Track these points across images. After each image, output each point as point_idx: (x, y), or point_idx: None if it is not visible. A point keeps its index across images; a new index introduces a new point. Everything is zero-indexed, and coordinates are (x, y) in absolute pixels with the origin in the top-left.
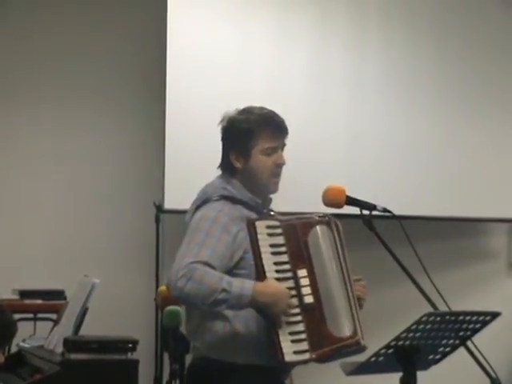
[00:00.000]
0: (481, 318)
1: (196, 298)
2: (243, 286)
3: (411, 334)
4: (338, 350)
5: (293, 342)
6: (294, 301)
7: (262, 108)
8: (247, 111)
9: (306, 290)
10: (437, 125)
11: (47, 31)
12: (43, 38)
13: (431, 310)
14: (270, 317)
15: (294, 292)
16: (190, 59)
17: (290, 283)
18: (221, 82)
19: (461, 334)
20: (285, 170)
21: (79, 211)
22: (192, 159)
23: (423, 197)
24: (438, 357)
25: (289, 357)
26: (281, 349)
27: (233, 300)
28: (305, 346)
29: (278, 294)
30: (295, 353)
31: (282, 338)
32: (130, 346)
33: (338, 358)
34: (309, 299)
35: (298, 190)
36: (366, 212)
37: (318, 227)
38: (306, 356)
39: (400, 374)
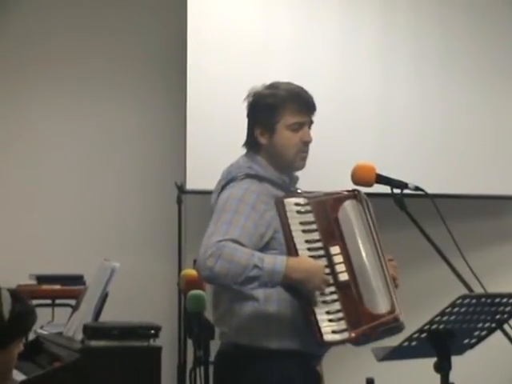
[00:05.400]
0: None
1: (227, 277)
2: (275, 261)
3: (445, 318)
4: (376, 328)
5: (330, 321)
6: (329, 279)
7: (289, 83)
8: (274, 86)
9: (340, 268)
10: (471, 100)
11: (65, 6)
12: (62, 13)
13: (466, 292)
14: (303, 295)
15: (327, 270)
16: (211, 38)
17: (323, 261)
18: (244, 59)
19: (497, 317)
20: (313, 148)
21: (98, 193)
22: (214, 139)
23: (457, 174)
24: (473, 341)
25: (328, 336)
26: (319, 328)
27: (265, 277)
28: (343, 325)
29: (312, 270)
30: (334, 332)
31: (319, 317)
32: (153, 332)
33: (376, 340)
34: (343, 276)
35: (326, 169)
36: (397, 191)
37: (347, 202)
38: (345, 335)
39: (434, 360)
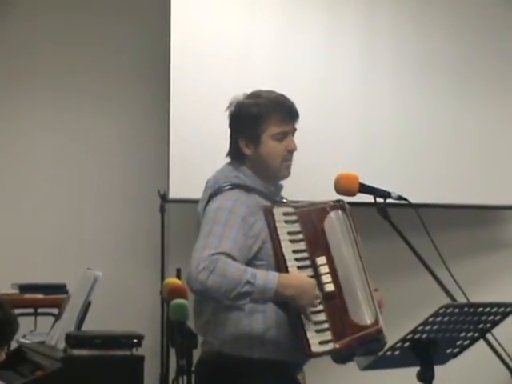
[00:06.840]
0: (501, 310)
1: (218, 292)
2: (267, 278)
3: (428, 327)
4: (360, 339)
5: (317, 331)
6: (320, 295)
7: (270, 92)
8: (256, 95)
9: (326, 278)
10: (453, 109)
11: (48, 17)
12: (45, 24)
13: (449, 301)
14: (294, 310)
15: (313, 280)
16: (194, 46)
17: (309, 271)
18: (227, 67)
19: (480, 326)
20: (296, 157)
21: (81, 202)
22: (197, 147)
23: (441, 183)
24: (456, 350)
25: (315, 348)
26: (307, 340)
27: (256, 293)
28: (328, 335)
29: (304, 286)
30: (320, 343)
31: (307, 328)
32: (135, 341)
33: (358, 355)
34: (329, 287)
35: (309, 178)
36: (380, 200)
37: (333, 213)
38: (330, 346)
39: (417, 369)
